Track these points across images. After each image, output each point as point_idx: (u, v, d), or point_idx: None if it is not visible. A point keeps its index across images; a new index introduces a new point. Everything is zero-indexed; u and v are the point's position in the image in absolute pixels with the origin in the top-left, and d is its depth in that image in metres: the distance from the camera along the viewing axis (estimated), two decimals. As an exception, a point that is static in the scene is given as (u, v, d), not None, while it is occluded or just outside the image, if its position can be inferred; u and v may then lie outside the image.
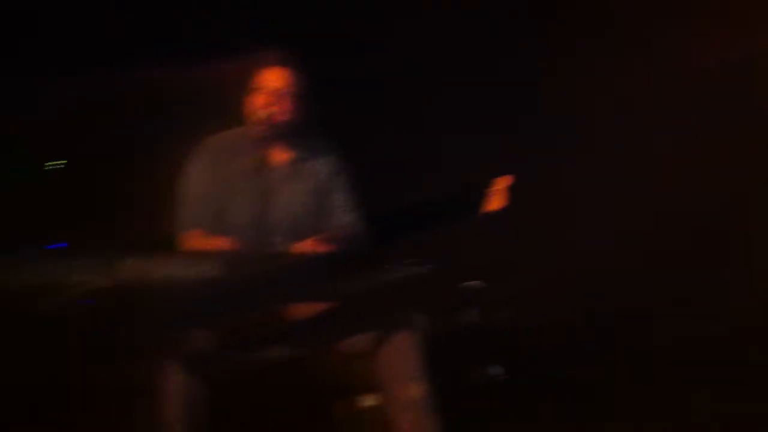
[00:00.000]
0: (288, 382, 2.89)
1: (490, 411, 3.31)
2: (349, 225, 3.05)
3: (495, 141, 3.94)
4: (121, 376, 3.02)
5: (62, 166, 3.80)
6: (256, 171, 2.78)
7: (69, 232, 3.67)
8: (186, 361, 2.70)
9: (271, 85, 2.96)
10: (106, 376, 2.79)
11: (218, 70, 3.65)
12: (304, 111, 3.03)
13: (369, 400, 3.07)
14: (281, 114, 2.95)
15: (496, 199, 3.17)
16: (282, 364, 2.85)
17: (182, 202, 3.00)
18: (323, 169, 3.07)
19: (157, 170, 3.48)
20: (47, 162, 3.73)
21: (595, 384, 3.54)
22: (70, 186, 3.80)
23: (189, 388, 2.70)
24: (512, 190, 3.14)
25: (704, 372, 3.53)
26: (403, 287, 2.58)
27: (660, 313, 3.86)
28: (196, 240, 2.88)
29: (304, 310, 2.89)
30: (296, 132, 3.04)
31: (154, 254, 2.46)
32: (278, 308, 2.89)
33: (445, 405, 2.82)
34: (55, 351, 2.55)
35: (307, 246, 2.80)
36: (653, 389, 3.50)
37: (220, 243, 2.79)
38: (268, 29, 3.39)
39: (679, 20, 3.92)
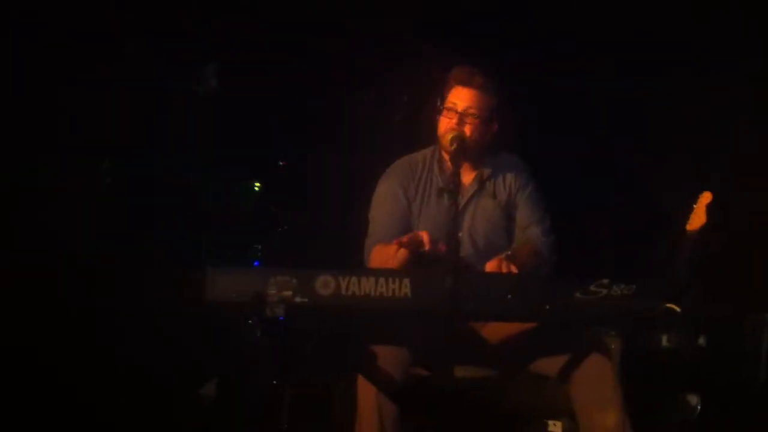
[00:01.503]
0: (479, 403, 2.86)
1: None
2: (538, 242, 3.00)
3: (698, 156, 3.78)
4: (317, 388, 3.11)
5: (258, 188, 3.96)
6: (444, 190, 2.79)
7: (266, 249, 3.81)
8: (377, 378, 2.73)
9: (461, 105, 2.96)
10: (303, 387, 2.88)
11: (412, 89, 3.70)
12: (493, 130, 3.02)
13: (560, 425, 2.99)
14: (469, 134, 2.95)
15: (697, 216, 3.04)
16: (473, 385, 2.84)
17: (373, 220, 3.05)
18: (510, 186, 3.05)
19: (349, 188, 3.57)
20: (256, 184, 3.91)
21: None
22: (265, 205, 3.95)
23: (380, 404, 2.71)
24: (713, 207, 3.01)
25: None
26: (600, 308, 2.49)
27: None
28: (381, 252, 2.90)
29: (495, 329, 2.88)
30: (484, 151, 3.03)
31: (347, 271, 2.50)
32: (470, 327, 2.89)
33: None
34: (258, 359, 2.65)
35: (496, 264, 2.78)
36: None
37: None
38: (461, 48, 3.40)
39: None
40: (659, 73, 3.94)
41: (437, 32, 3.91)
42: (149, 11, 3.71)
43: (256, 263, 3.83)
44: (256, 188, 3.96)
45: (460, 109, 2.95)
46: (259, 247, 3.84)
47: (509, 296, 2.50)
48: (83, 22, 3.59)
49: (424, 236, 2.74)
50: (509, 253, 2.83)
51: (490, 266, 2.79)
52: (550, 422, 3.00)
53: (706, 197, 3.19)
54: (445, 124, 2.97)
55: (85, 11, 3.59)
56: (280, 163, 4.00)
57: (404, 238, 2.75)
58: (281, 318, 2.48)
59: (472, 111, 2.95)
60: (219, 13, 3.83)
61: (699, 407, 3.17)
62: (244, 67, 3.93)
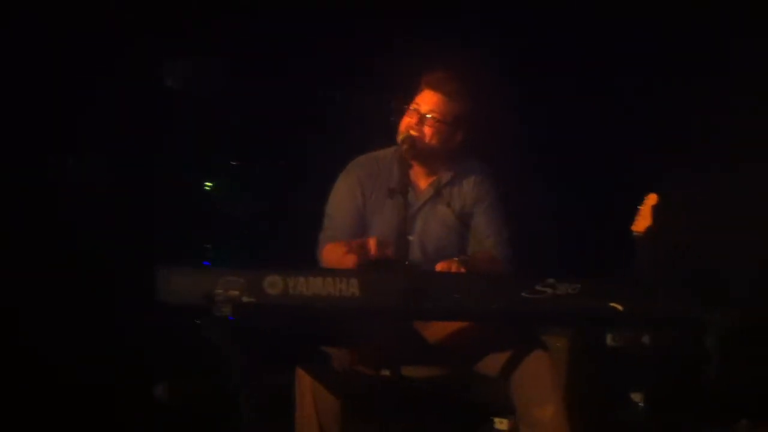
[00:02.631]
0: (423, 402, 2.89)
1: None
2: (493, 248, 3.02)
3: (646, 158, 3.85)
4: (262, 386, 3.12)
5: (208, 187, 3.95)
6: (400, 191, 2.81)
7: (215, 248, 3.81)
8: (322, 377, 2.74)
9: (425, 107, 2.97)
10: (250, 385, 2.89)
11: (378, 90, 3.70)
12: (457, 138, 3.03)
13: (504, 422, 3.03)
14: (430, 137, 2.96)
15: (643, 217, 3.10)
16: (416, 384, 2.86)
17: (328, 215, 3.06)
18: (467, 196, 3.06)
19: (303, 187, 3.58)
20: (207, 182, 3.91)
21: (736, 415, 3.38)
22: (216, 203, 3.94)
23: (324, 404, 2.75)
24: (660, 208, 3.07)
25: None
26: (546, 307, 2.53)
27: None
28: (334, 251, 2.92)
29: (440, 329, 2.90)
30: (445, 157, 3.04)
31: (294, 271, 2.51)
32: (415, 327, 2.91)
33: (582, 429, 2.76)
34: (207, 359, 2.66)
35: (446, 266, 2.80)
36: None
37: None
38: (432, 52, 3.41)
39: None
40: (625, 77, 3.99)
41: (406, 34, 3.92)
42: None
43: (206, 263, 3.81)
44: (207, 188, 3.95)
45: (422, 111, 2.95)
46: (210, 246, 3.83)
47: (457, 295, 2.53)
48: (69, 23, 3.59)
49: (371, 242, 2.74)
50: (463, 257, 2.85)
51: (440, 266, 2.82)
52: (497, 420, 3.04)
53: (651, 199, 3.25)
54: (405, 123, 2.98)
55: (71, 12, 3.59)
56: (233, 163, 4.00)
57: (353, 244, 2.76)
58: (231, 318, 2.49)
59: (434, 115, 2.95)
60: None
61: (642, 405, 3.23)
62: (204, 66, 3.92)
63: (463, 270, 2.79)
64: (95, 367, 3.53)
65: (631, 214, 3.31)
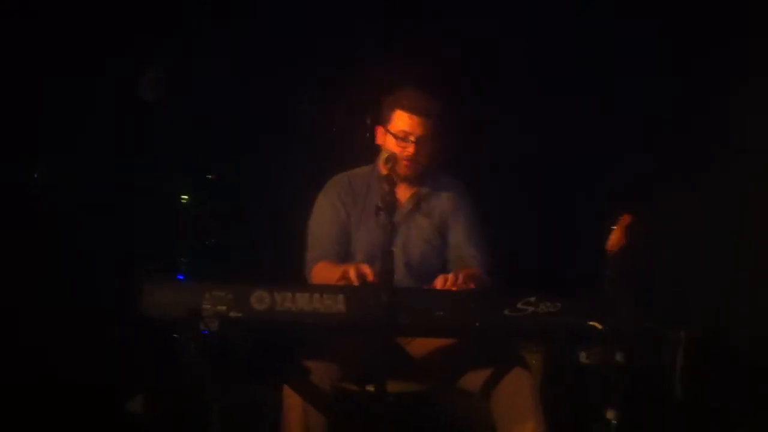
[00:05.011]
0: (407, 417, 2.90)
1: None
2: (474, 264, 3.06)
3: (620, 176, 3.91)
4: (248, 400, 3.12)
5: (185, 200, 3.93)
6: (386, 210, 2.83)
7: (199, 262, 3.78)
8: (305, 391, 2.75)
9: (415, 134, 2.99)
10: (234, 400, 2.89)
11: (355, 109, 3.72)
12: (435, 149, 3.06)
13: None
14: (413, 156, 3.00)
15: (617, 237, 3.15)
16: (400, 400, 2.88)
17: (312, 234, 3.07)
18: (445, 208, 3.11)
19: (287, 204, 3.59)
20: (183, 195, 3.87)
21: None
22: (201, 218, 3.92)
23: (307, 417, 2.74)
24: (633, 228, 3.12)
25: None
26: (527, 325, 2.58)
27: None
28: (324, 273, 2.94)
29: (422, 345, 2.93)
30: (422, 170, 3.08)
31: (282, 286, 2.52)
32: (398, 343, 2.94)
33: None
34: (189, 375, 2.64)
35: (433, 283, 2.83)
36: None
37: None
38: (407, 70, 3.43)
39: None
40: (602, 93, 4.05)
41: (376, 47, 3.95)
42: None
43: (180, 277, 3.78)
44: (183, 200, 3.92)
45: (413, 138, 2.98)
46: (185, 260, 3.80)
47: (441, 312, 2.56)
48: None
49: (351, 272, 2.73)
50: (451, 274, 2.86)
51: (442, 280, 2.81)
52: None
53: (625, 219, 3.31)
54: (386, 145, 3.01)
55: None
56: (209, 177, 3.98)
57: (350, 272, 2.75)
58: (205, 332, 2.49)
59: (424, 138, 2.99)
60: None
61: (616, 422, 3.27)
62: (180, 75, 3.90)
63: (460, 281, 2.78)
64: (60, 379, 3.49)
65: (604, 231, 3.37)
